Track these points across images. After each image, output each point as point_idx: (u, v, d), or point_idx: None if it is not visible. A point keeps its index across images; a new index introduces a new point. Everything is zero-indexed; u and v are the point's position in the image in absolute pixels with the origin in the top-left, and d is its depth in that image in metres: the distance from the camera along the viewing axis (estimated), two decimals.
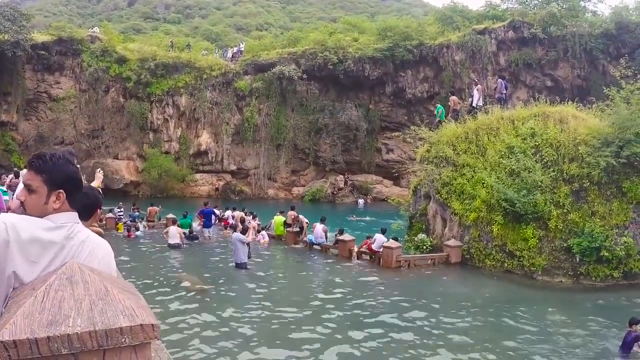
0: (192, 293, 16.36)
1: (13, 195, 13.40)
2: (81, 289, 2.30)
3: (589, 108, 23.25)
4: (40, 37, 51.02)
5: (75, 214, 2.86)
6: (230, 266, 20.63)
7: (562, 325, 14.23)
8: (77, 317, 2.17)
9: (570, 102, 23.67)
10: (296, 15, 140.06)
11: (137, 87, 52.96)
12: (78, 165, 3.59)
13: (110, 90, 53.68)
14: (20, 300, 2.30)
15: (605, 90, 22.22)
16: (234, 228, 21.83)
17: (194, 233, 27.92)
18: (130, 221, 29.99)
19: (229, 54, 62.91)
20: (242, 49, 62.27)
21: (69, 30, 54.11)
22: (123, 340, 2.19)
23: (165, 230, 26.58)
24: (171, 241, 24.54)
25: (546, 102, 23.98)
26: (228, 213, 31.95)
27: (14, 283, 2.61)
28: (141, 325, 2.23)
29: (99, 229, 10.21)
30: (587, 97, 30.87)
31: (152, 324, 2.26)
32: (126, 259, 21.26)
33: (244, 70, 55.11)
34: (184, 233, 26.12)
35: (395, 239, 22.14)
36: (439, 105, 29.47)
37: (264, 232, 28.20)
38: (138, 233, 28.92)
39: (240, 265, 19.95)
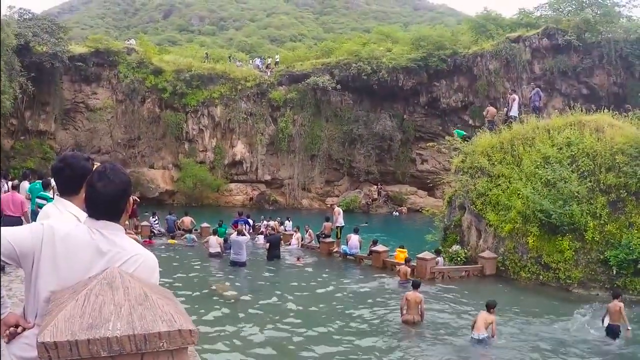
0: (227, 302, 16.47)
1: None
2: (121, 294, 2.35)
3: (626, 116, 22.91)
4: (77, 49, 51.76)
5: (106, 222, 2.91)
6: (264, 275, 20.81)
7: (596, 340, 14.01)
8: (117, 321, 2.22)
9: (606, 110, 23.32)
10: (329, 26, 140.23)
11: (172, 98, 53.53)
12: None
13: (147, 101, 54.32)
14: (62, 304, 2.36)
15: None
16: (239, 233, 23.03)
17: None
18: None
19: (258, 62, 63.40)
20: (278, 60, 62.65)
21: (105, 43, 54.90)
22: (161, 344, 2.23)
23: (205, 240, 26.96)
24: (212, 250, 24.88)
25: (582, 110, 23.66)
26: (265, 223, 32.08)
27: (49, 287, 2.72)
28: (179, 330, 2.27)
29: (136, 237, 10.33)
30: (623, 104, 30.38)
31: (190, 330, 2.30)
32: (167, 267, 21.41)
33: (278, 81, 55.47)
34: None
35: (438, 252, 22.23)
36: (456, 130, 29.46)
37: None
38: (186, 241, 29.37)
39: (241, 264, 22.19)
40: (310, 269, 23.05)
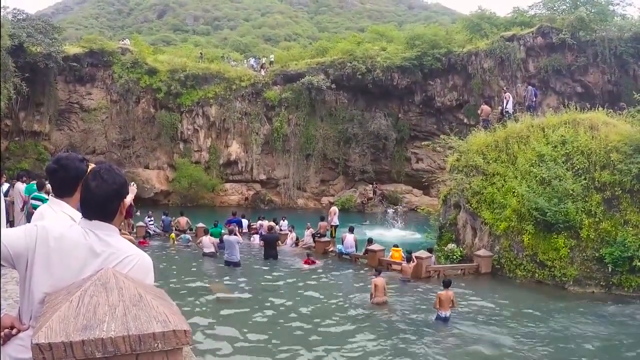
0: (222, 302, 16.46)
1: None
2: (115, 295, 2.35)
3: (620, 114, 22.94)
4: (72, 50, 51.57)
5: (99, 223, 2.91)
6: (258, 276, 20.81)
7: (593, 337, 14.04)
8: (111, 322, 2.21)
9: (600, 108, 23.30)
10: (324, 25, 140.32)
11: (167, 97, 53.38)
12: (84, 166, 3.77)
13: (141, 101, 54.17)
14: (56, 305, 2.35)
15: (636, 96, 21.89)
16: (230, 232, 23.34)
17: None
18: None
19: (252, 62, 63.35)
20: (272, 59, 62.50)
21: (100, 43, 54.71)
22: (156, 345, 2.23)
23: (198, 241, 26.98)
24: (206, 250, 24.89)
25: (576, 108, 23.62)
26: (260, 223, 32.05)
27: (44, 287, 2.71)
28: (174, 331, 2.27)
29: (131, 237, 10.33)
30: (618, 102, 30.43)
31: (184, 330, 2.30)
32: (162, 267, 21.40)
33: (273, 80, 55.39)
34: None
35: (430, 250, 22.27)
36: None
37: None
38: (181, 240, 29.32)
39: (234, 264, 22.25)
40: (304, 268, 22.96)
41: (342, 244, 25.44)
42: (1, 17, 40.18)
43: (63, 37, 53.44)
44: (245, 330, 13.53)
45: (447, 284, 14.93)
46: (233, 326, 13.82)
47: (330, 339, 13.19)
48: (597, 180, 19.99)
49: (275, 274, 21.46)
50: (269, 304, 16.35)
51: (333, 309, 16.08)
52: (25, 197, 13.66)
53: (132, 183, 8.91)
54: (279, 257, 24.64)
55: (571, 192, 19.65)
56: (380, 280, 16.44)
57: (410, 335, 13.69)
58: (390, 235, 35.27)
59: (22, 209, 13.68)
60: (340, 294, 18.33)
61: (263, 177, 56.14)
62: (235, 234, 23.05)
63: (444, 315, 14.54)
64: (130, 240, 3.37)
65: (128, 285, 2.42)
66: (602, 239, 19.06)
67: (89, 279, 2.49)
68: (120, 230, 3.06)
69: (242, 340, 12.73)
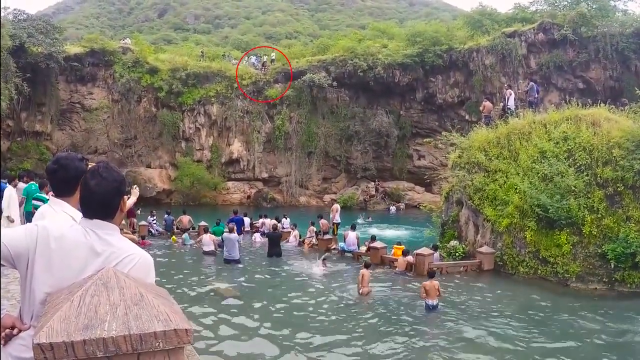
0: (224, 300, 16.45)
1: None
2: (117, 294, 2.35)
3: (622, 110, 22.87)
4: (73, 49, 51.68)
5: (100, 222, 2.91)
6: (260, 273, 20.84)
7: (596, 332, 14.03)
8: (112, 322, 2.21)
9: (602, 104, 23.24)
10: (325, 22, 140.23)
11: (168, 96, 53.45)
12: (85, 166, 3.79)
13: (143, 100, 54.26)
14: (58, 305, 2.35)
15: (638, 91, 21.83)
16: (230, 231, 23.30)
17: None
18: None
19: (253, 60, 63.31)
20: (274, 57, 62.42)
21: (100, 42, 54.86)
22: (157, 344, 2.23)
23: (198, 239, 26.98)
24: (206, 248, 24.88)
25: (578, 104, 23.60)
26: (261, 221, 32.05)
27: (45, 287, 2.71)
28: (175, 330, 2.26)
29: (133, 236, 10.36)
30: (620, 98, 30.38)
31: (185, 329, 2.30)
32: (162, 266, 21.40)
33: (274, 78, 55.36)
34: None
35: (435, 247, 22.35)
36: None
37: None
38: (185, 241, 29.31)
39: (235, 262, 22.52)
40: (306, 267, 22.94)
41: (344, 241, 25.47)
42: (2, 18, 40.18)
43: (64, 37, 53.56)
44: (245, 327, 13.54)
45: (431, 275, 16.03)
46: (234, 323, 13.82)
47: (330, 333, 13.19)
48: (599, 177, 19.92)
49: (277, 271, 21.48)
50: (269, 301, 16.34)
51: (334, 305, 16.08)
52: (22, 199, 13.59)
53: (135, 186, 8.93)
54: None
55: (573, 188, 19.60)
56: (367, 272, 17.35)
57: (407, 326, 13.74)
58: (392, 232, 35.31)
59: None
60: (342, 290, 18.33)
61: (265, 175, 56.21)
62: (233, 232, 23.15)
63: (431, 304, 15.26)
64: (132, 239, 3.37)
65: (129, 285, 2.42)
66: (604, 235, 19.00)
67: (90, 278, 2.49)
68: (122, 229, 3.06)
69: (243, 337, 12.74)
